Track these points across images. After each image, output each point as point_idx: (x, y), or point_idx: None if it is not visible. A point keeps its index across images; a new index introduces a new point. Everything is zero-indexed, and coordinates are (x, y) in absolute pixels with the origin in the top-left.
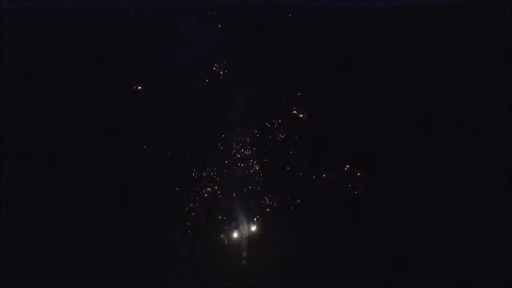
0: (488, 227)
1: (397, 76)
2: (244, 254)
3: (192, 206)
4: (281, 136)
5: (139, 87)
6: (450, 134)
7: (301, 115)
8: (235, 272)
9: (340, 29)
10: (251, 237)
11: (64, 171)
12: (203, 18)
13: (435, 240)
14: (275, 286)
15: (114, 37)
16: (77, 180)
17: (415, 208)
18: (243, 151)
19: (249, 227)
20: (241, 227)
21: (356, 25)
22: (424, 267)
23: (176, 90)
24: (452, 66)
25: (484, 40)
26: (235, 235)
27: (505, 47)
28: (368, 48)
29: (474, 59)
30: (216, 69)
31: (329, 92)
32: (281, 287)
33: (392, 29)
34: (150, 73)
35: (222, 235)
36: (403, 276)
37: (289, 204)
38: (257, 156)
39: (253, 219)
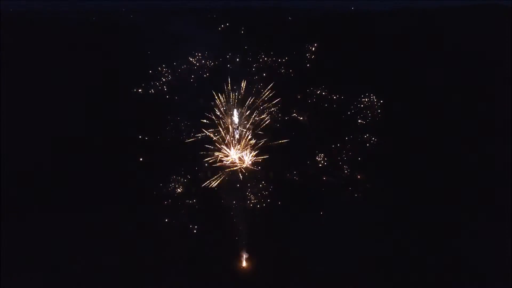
0: (489, 228)
1: (397, 78)
2: (244, 255)
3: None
4: (282, 139)
5: (139, 90)
6: (451, 136)
7: (302, 118)
8: (233, 273)
9: (340, 31)
10: (250, 238)
11: (63, 171)
12: (203, 20)
13: (435, 242)
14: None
15: (115, 39)
16: (74, 180)
17: (416, 210)
18: (244, 153)
19: (248, 228)
20: (240, 228)
21: (356, 27)
22: (424, 267)
23: (176, 92)
24: (452, 68)
25: (484, 42)
26: (235, 236)
27: (504, 49)
28: (368, 50)
29: (474, 61)
30: (215, 71)
31: (329, 94)
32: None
33: (391, 31)
34: (151, 75)
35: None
36: (402, 276)
37: (289, 206)
38: (258, 158)
39: (253, 220)
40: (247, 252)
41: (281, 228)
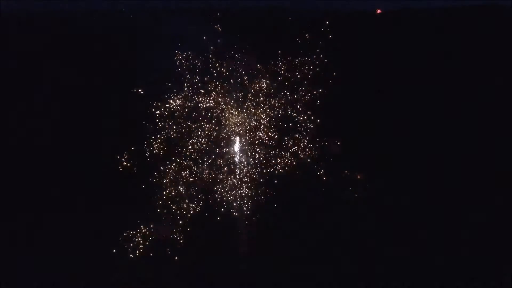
0: (490, 228)
1: (397, 79)
2: (242, 256)
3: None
4: (280, 138)
5: (140, 90)
6: (451, 136)
7: (302, 118)
8: (231, 272)
9: (341, 31)
10: (248, 240)
11: (61, 170)
12: (202, 20)
13: (436, 242)
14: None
15: (115, 39)
16: (73, 179)
17: (416, 211)
18: (243, 152)
19: (246, 230)
20: (238, 230)
21: (357, 28)
22: (425, 269)
23: (176, 92)
24: (452, 68)
25: (485, 42)
26: (232, 238)
27: (505, 49)
28: (367, 51)
29: (474, 61)
30: (215, 71)
31: (329, 94)
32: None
33: (391, 31)
34: (151, 76)
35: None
36: (403, 278)
37: (288, 207)
38: (255, 158)
39: (251, 221)
40: (247, 253)
41: (281, 228)
